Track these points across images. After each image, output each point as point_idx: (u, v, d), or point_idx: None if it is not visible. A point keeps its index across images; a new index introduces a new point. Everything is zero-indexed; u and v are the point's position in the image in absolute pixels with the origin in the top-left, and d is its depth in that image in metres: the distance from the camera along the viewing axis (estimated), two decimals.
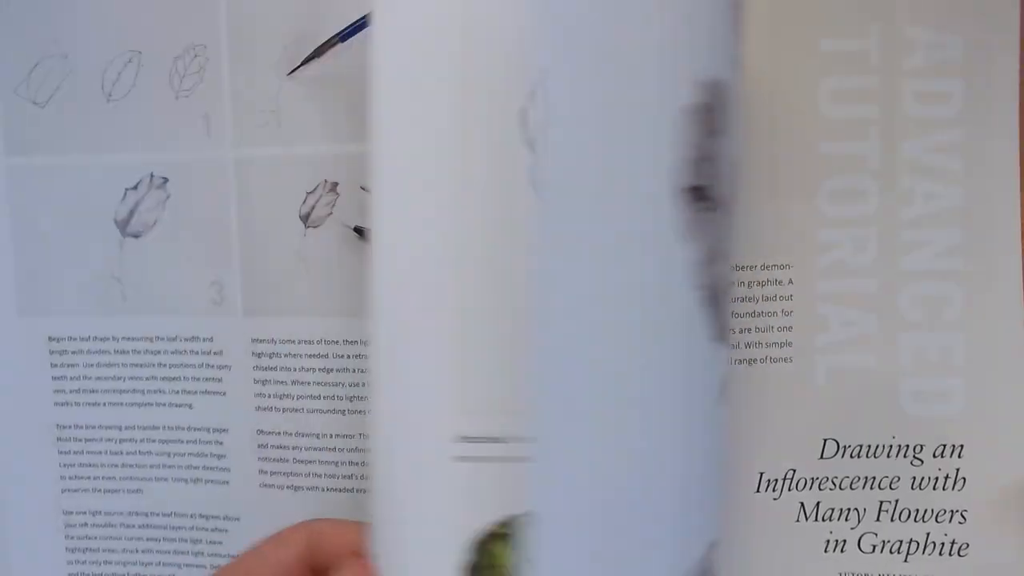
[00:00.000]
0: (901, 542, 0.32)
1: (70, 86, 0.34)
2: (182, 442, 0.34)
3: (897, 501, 0.31)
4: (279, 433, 0.33)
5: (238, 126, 0.33)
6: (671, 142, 0.22)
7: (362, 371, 0.33)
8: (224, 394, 0.34)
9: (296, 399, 0.33)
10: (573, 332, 0.22)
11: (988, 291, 0.31)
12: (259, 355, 0.33)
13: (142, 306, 0.34)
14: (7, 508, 0.35)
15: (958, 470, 0.31)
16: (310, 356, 0.33)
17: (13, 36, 0.34)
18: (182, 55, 0.33)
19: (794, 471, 0.32)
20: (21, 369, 0.35)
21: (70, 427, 0.35)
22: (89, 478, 0.35)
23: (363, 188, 0.32)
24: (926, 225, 0.31)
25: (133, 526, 0.35)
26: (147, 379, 0.34)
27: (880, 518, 0.32)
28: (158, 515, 0.35)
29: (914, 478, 0.31)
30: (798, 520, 0.32)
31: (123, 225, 0.34)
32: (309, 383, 0.33)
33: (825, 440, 0.32)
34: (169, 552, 0.35)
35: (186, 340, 0.34)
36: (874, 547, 0.32)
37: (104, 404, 0.35)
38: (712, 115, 0.22)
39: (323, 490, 0.33)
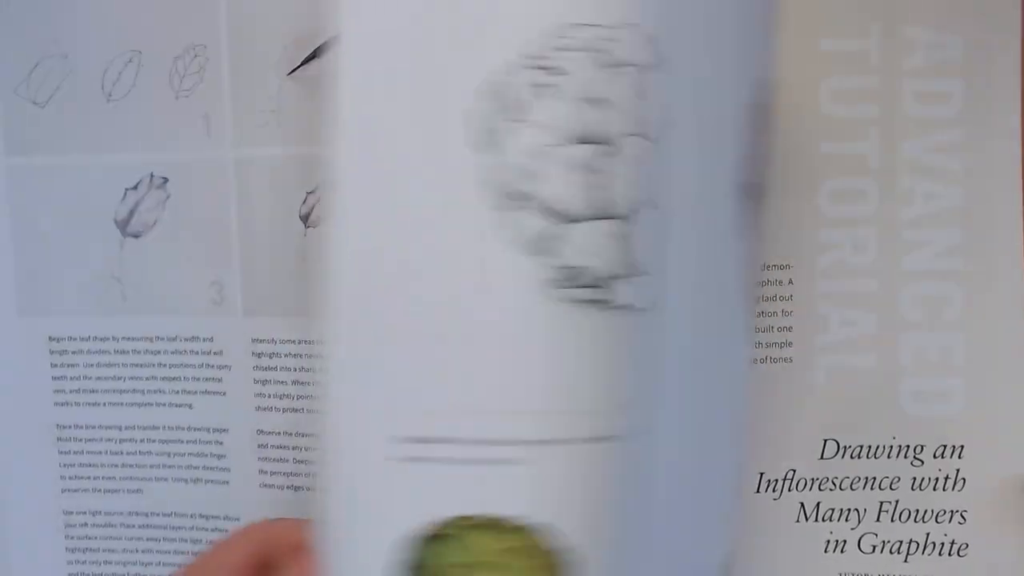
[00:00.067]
0: (901, 542, 0.32)
1: (70, 86, 0.34)
2: (182, 442, 0.34)
3: (897, 501, 0.31)
4: (279, 433, 0.33)
5: (238, 126, 0.33)
6: (737, 141, 0.22)
7: None
8: (224, 394, 0.34)
9: (296, 399, 0.33)
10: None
11: (988, 291, 0.31)
12: (259, 355, 0.33)
13: (142, 306, 0.34)
14: (7, 508, 0.35)
15: (958, 470, 0.31)
16: (310, 356, 0.33)
17: (13, 36, 0.34)
18: (182, 55, 0.33)
19: (794, 471, 0.32)
20: (21, 369, 0.35)
21: (70, 427, 0.35)
22: (89, 478, 0.35)
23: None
24: (926, 225, 0.31)
25: (133, 526, 0.35)
26: (147, 379, 0.34)
27: (880, 518, 0.32)
28: (158, 515, 0.35)
29: (914, 478, 0.31)
30: (798, 520, 0.32)
31: (123, 225, 0.34)
32: (309, 383, 0.33)
33: (825, 440, 0.32)
34: (169, 552, 0.35)
35: (186, 340, 0.34)
36: (874, 547, 0.32)
37: (104, 404, 0.35)
38: (765, 113, 0.22)
39: None
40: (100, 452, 0.35)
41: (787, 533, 0.32)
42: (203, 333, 0.34)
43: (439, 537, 0.23)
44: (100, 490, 0.35)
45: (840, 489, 0.32)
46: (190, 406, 0.34)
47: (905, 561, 0.32)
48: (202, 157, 0.33)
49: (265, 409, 0.34)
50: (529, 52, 0.23)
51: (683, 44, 0.24)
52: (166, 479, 0.35)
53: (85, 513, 0.35)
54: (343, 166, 0.24)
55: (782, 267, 0.31)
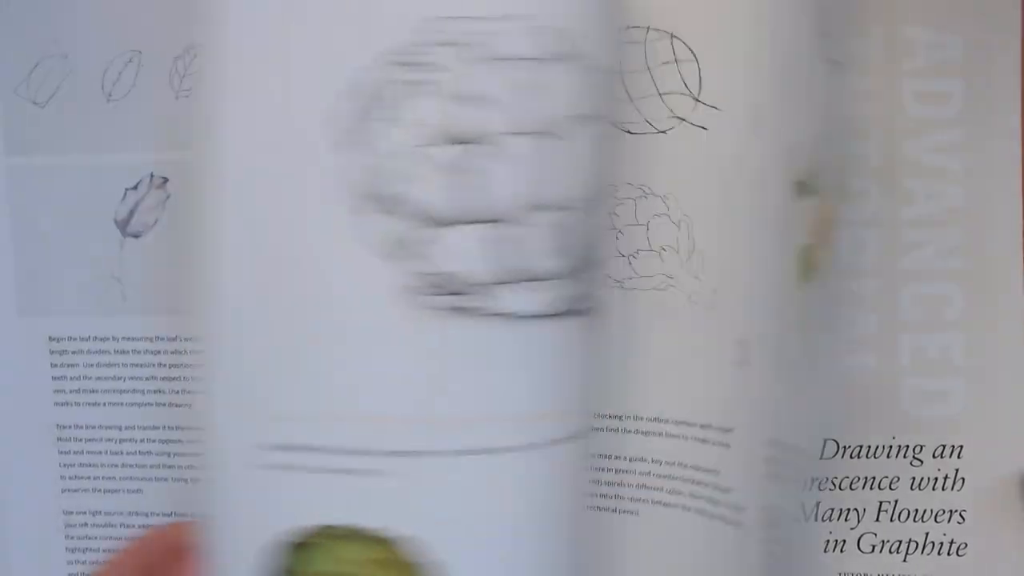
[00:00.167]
0: (901, 542, 0.32)
1: (70, 86, 0.34)
2: (182, 442, 0.34)
3: (897, 501, 0.31)
4: None
5: None
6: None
7: None
8: None
9: None
10: None
11: (988, 291, 0.31)
12: None
13: (142, 306, 0.34)
14: (7, 508, 0.35)
15: (958, 470, 0.31)
16: None
17: (13, 36, 0.34)
18: (182, 55, 0.33)
19: None
20: (21, 369, 0.35)
21: (70, 427, 0.35)
22: (89, 478, 0.35)
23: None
24: (926, 225, 0.31)
25: (133, 526, 0.35)
26: (147, 379, 0.34)
27: (880, 518, 0.32)
28: (158, 515, 0.35)
29: (914, 478, 0.31)
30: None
31: (123, 225, 0.34)
32: None
33: (825, 440, 0.32)
34: None
35: (186, 340, 0.34)
36: (874, 547, 0.32)
37: (104, 404, 0.35)
38: None
39: None
40: (100, 452, 0.35)
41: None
42: None
43: (306, 545, 0.23)
44: (100, 490, 0.35)
45: (840, 489, 0.32)
46: (190, 406, 0.34)
47: (904, 561, 0.32)
48: None
49: None
50: (398, 49, 0.22)
51: (595, 36, 0.23)
52: (166, 479, 0.34)
53: (85, 513, 0.35)
54: (213, 167, 0.23)
55: None
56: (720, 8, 0.29)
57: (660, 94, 0.29)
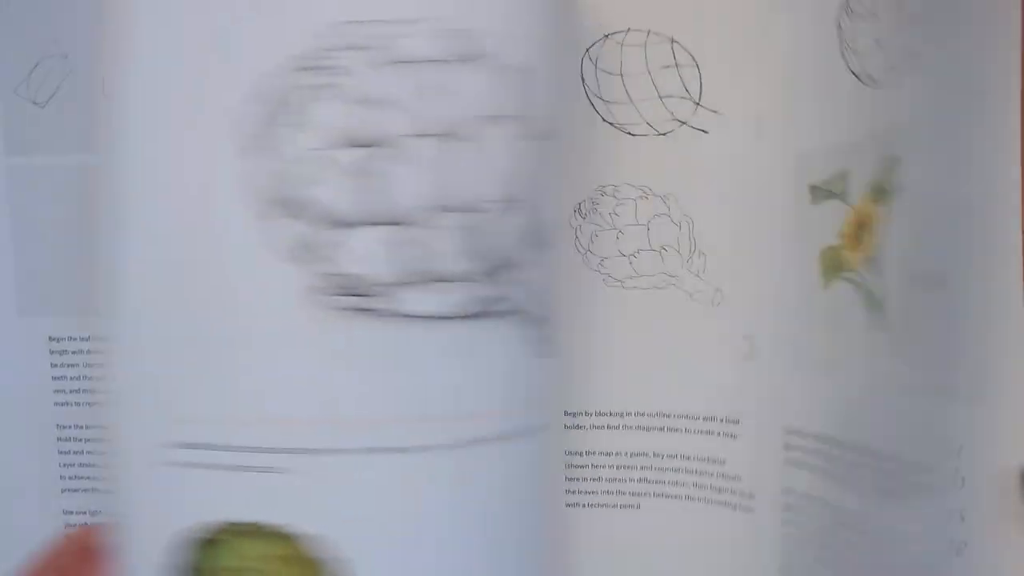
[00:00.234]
0: None
1: (70, 86, 0.34)
2: None
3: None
4: None
5: None
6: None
7: None
8: None
9: None
10: None
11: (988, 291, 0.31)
12: None
13: None
14: (7, 508, 0.35)
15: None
16: None
17: (13, 36, 0.34)
18: None
19: None
20: (21, 369, 0.35)
21: (70, 427, 0.35)
22: (89, 478, 0.35)
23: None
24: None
25: None
26: None
27: None
28: None
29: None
30: None
31: None
32: None
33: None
34: None
35: None
36: None
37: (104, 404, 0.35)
38: None
39: None
40: (100, 452, 0.35)
41: None
42: None
43: (211, 542, 0.24)
44: (100, 490, 0.35)
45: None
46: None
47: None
48: None
49: None
50: (303, 53, 0.22)
51: (504, 36, 0.24)
52: None
53: (85, 513, 0.35)
54: (120, 170, 0.24)
55: None
56: (721, 14, 0.30)
57: (661, 97, 0.30)
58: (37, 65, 0.34)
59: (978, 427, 0.25)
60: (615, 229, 0.30)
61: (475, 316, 0.24)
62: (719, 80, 0.30)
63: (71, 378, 0.35)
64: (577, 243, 0.31)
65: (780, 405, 0.29)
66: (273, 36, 0.22)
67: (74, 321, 0.34)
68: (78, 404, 0.35)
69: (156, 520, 0.24)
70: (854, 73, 0.28)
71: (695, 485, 0.30)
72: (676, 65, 0.30)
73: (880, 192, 0.26)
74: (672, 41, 0.30)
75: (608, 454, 0.31)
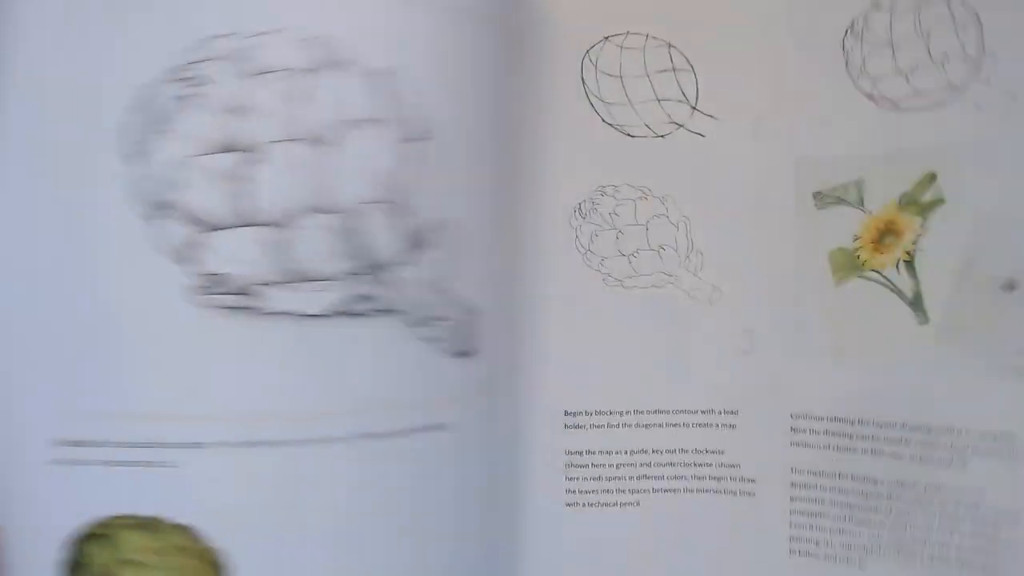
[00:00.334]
0: None
1: None
2: None
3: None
4: None
5: None
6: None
7: None
8: None
9: None
10: None
11: None
12: None
13: None
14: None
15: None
16: None
17: None
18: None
19: None
20: None
21: None
22: None
23: None
24: None
25: None
26: None
27: None
28: None
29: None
30: None
31: None
32: None
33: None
34: None
35: None
36: None
37: None
38: None
39: None
40: None
41: None
42: None
43: (96, 536, 0.25)
44: None
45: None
46: None
47: None
48: None
49: None
50: (174, 65, 0.24)
51: (370, 42, 0.25)
52: None
53: None
54: (6, 176, 0.25)
55: None
56: (719, 22, 0.31)
57: (659, 100, 0.31)
58: None
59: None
60: (615, 229, 0.31)
61: (346, 315, 0.25)
62: (715, 85, 0.31)
63: None
64: (577, 243, 0.31)
65: (785, 392, 0.30)
66: (150, 50, 0.24)
67: None
68: None
69: (43, 517, 0.25)
70: (867, 94, 0.29)
71: (694, 477, 0.31)
72: (673, 69, 0.31)
73: (911, 203, 0.29)
74: (670, 46, 0.31)
75: (608, 453, 0.31)
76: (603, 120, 0.31)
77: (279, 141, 0.24)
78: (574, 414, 0.31)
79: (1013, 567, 0.27)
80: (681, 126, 0.31)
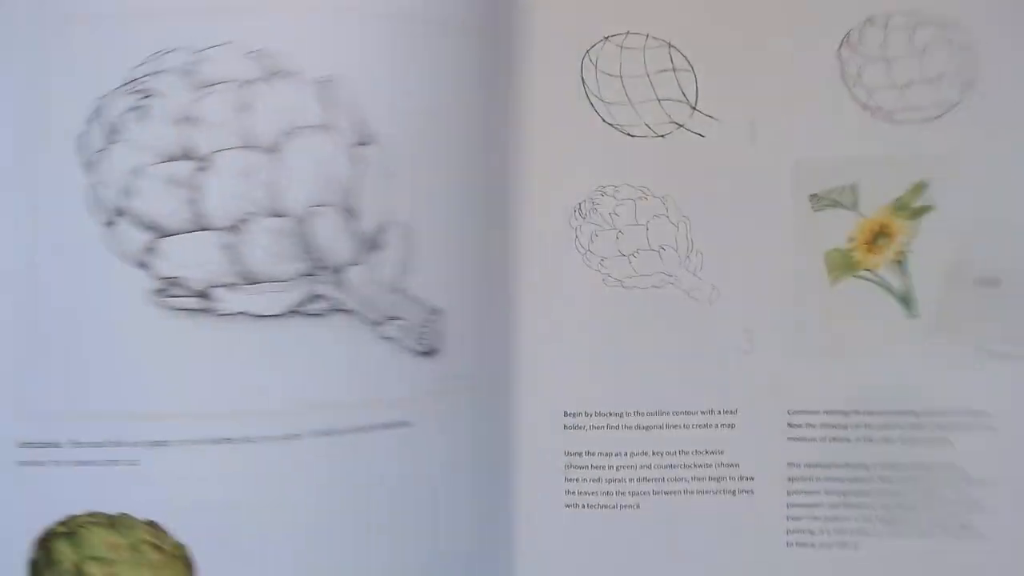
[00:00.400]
0: None
1: None
2: None
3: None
4: None
5: None
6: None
7: None
8: None
9: None
10: None
11: None
12: None
13: None
14: None
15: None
16: None
17: None
18: None
19: None
20: None
21: None
22: None
23: None
24: None
25: None
26: None
27: None
28: None
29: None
30: None
31: None
32: None
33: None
34: None
35: None
36: None
37: None
38: None
39: None
40: None
41: None
42: None
43: (64, 535, 0.25)
44: None
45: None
46: None
47: None
48: None
49: None
50: (127, 78, 0.26)
51: (314, 51, 0.26)
52: None
53: None
54: None
55: None
56: (719, 24, 0.31)
57: (659, 100, 0.31)
58: None
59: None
60: (615, 229, 0.31)
61: (302, 315, 0.26)
62: (715, 86, 0.31)
63: None
64: (577, 243, 0.31)
65: (782, 390, 0.31)
66: (102, 63, 0.26)
67: None
68: None
69: (12, 519, 0.25)
70: (862, 104, 0.31)
71: (694, 479, 0.31)
72: (673, 69, 0.31)
73: (904, 208, 0.31)
74: (670, 46, 0.31)
75: (608, 454, 0.31)
76: (603, 120, 0.31)
77: (229, 149, 0.26)
78: (574, 415, 0.31)
79: (983, 523, 0.30)
80: (681, 126, 0.31)
